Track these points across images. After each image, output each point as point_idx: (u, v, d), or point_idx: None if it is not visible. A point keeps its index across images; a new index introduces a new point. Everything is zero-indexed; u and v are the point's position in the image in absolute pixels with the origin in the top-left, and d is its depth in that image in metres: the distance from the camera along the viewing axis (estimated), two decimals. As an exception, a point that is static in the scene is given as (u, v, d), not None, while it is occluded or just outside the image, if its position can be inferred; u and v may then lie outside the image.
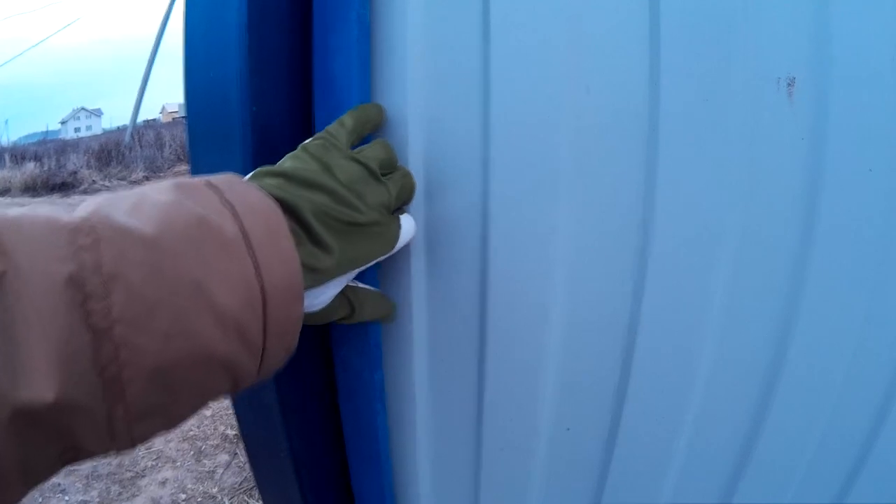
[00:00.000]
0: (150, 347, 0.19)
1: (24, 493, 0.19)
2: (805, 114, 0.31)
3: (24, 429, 0.17)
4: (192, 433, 1.77)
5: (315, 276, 0.27)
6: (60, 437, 0.19)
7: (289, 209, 0.26)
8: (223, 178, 0.24)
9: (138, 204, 0.21)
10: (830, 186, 0.32)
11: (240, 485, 1.54)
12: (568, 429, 0.40)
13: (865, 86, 0.31)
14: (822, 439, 0.38)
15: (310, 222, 0.26)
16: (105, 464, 1.64)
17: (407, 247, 0.39)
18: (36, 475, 0.19)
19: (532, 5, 0.32)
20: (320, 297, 0.29)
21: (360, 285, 0.36)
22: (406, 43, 0.35)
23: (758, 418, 0.37)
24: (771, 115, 0.31)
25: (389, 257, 0.40)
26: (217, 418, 1.84)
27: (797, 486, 0.39)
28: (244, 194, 0.24)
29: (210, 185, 0.24)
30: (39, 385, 0.17)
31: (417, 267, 0.40)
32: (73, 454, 0.20)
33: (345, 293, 0.33)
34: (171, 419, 0.22)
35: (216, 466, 1.62)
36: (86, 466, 1.63)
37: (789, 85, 0.31)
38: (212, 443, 1.72)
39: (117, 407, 0.19)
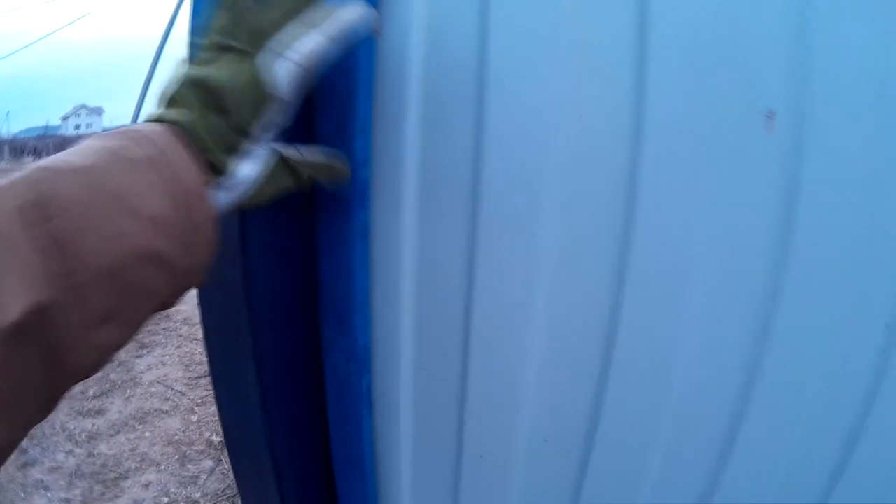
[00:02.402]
0: (92, 251, 0.24)
1: (19, 432, 0.23)
2: (784, 146, 0.33)
3: (14, 348, 0.22)
4: (177, 438, 1.77)
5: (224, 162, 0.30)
6: (43, 355, 0.23)
7: (184, 129, 0.30)
8: (132, 125, 0.30)
9: (71, 150, 0.27)
10: (805, 218, 0.34)
11: (222, 491, 1.53)
12: (546, 440, 0.42)
13: (844, 120, 0.32)
14: (801, 445, 0.38)
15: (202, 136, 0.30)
16: (89, 463, 1.63)
17: (398, 261, 0.41)
18: (27, 407, 0.23)
19: (528, 38, 0.35)
20: (243, 173, 0.31)
21: (302, 152, 0.36)
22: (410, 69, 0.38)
23: (734, 427, 0.38)
24: (751, 145, 0.33)
25: (381, 274, 0.43)
26: (203, 424, 1.84)
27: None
28: (143, 128, 0.29)
29: (121, 131, 0.29)
30: (16, 301, 0.22)
31: (406, 280, 0.42)
32: (54, 376, 0.24)
33: (285, 164, 0.34)
34: (124, 326, 0.26)
35: (200, 472, 1.61)
36: (70, 465, 1.62)
37: (770, 118, 0.32)
38: (197, 448, 1.72)
39: (74, 314, 0.24)
